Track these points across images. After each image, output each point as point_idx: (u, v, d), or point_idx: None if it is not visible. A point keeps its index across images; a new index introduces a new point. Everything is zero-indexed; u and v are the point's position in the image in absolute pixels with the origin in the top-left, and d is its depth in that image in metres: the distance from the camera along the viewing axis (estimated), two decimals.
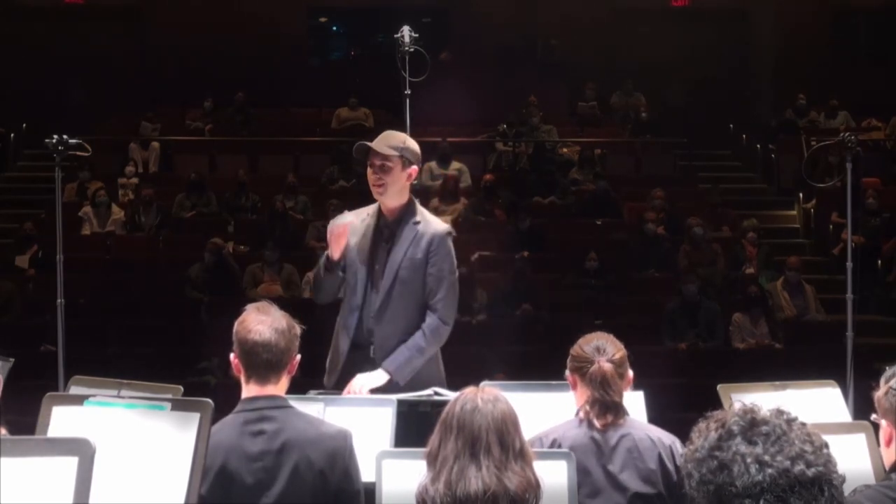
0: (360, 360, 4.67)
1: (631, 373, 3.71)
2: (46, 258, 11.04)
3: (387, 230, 4.72)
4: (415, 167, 4.72)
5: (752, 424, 1.94)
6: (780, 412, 1.98)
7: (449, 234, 4.73)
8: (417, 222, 4.70)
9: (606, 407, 3.59)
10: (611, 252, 12.28)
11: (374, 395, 4.43)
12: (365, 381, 4.53)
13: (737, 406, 2.01)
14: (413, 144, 4.73)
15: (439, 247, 4.66)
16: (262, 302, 3.54)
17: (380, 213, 4.76)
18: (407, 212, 4.73)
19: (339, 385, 4.60)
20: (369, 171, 4.68)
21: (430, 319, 4.64)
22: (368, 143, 4.67)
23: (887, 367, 3.06)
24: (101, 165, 14.14)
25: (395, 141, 4.68)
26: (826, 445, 1.95)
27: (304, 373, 3.76)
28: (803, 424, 1.97)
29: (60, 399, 3.32)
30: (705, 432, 1.98)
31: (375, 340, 4.66)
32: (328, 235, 4.68)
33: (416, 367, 4.60)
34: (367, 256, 4.69)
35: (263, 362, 3.39)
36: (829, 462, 1.92)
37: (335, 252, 4.63)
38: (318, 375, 4.84)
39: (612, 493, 3.55)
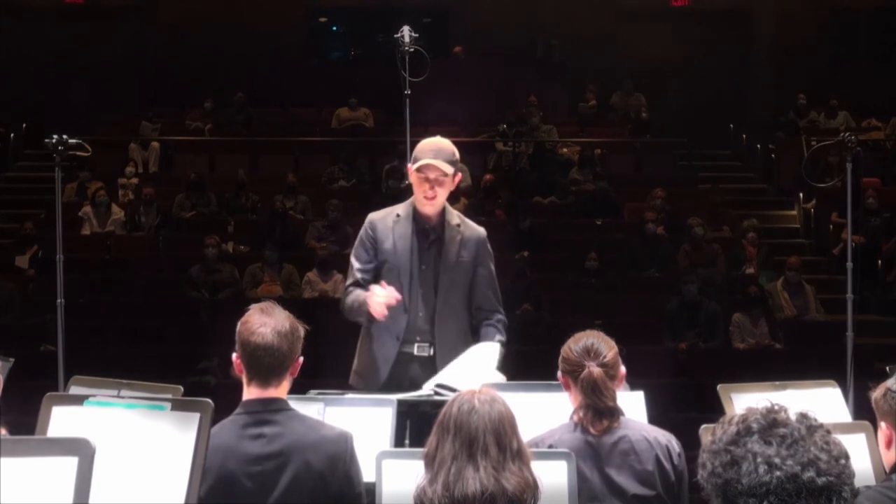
0: (406, 360, 4.76)
1: (623, 369, 3.66)
2: (46, 258, 11.03)
3: (433, 233, 4.81)
4: (459, 174, 4.86)
5: (771, 425, 1.93)
6: (804, 416, 1.96)
7: (487, 236, 4.93)
8: (458, 225, 4.84)
9: (601, 413, 3.55)
10: (611, 252, 12.28)
11: (373, 395, 4.44)
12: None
13: (764, 404, 1.99)
14: (456, 151, 4.83)
15: (485, 249, 4.86)
16: (267, 302, 3.51)
17: (415, 214, 4.81)
18: (446, 214, 4.83)
19: (387, 387, 4.64)
20: (421, 183, 4.71)
21: (500, 316, 4.88)
22: (432, 161, 4.69)
23: (888, 368, 3.07)
24: (101, 165, 14.14)
25: (448, 154, 4.74)
26: (845, 456, 1.92)
27: (304, 374, 3.75)
28: (828, 432, 1.94)
29: (60, 399, 3.32)
30: (727, 426, 1.97)
31: (437, 339, 4.76)
32: (377, 302, 4.58)
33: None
34: (411, 259, 4.75)
35: (265, 366, 3.38)
36: (843, 473, 1.90)
37: (379, 315, 4.61)
38: (318, 376, 4.85)
39: (611, 496, 3.51)
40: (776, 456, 1.88)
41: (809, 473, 1.87)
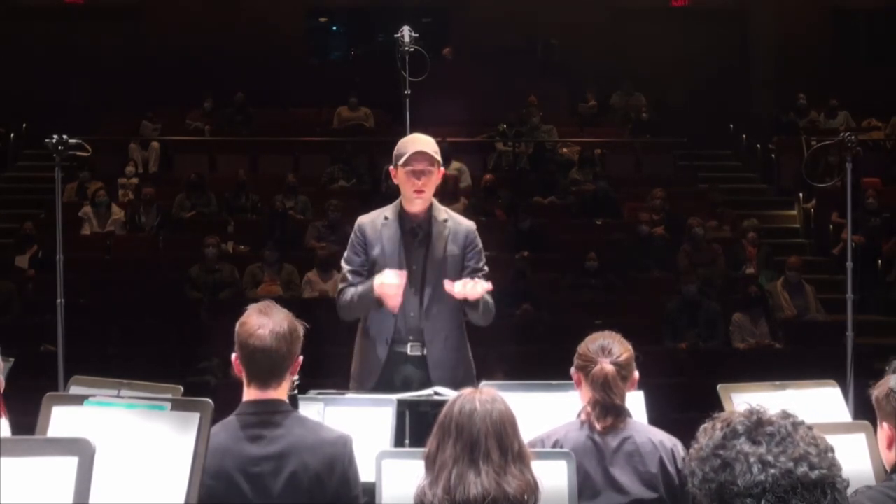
0: (399, 360, 4.76)
1: (637, 374, 3.69)
2: (46, 258, 11.03)
3: (420, 231, 4.79)
4: (442, 168, 4.85)
5: (757, 425, 1.94)
6: (786, 414, 1.97)
7: (476, 229, 4.90)
8: (445, 220, 4.82)
9: (607, 409, 3.57)
10: (611, 252, 12.27)
11: (374, 395, 4.44)
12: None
13: (743, 407, 2.01)
14: (436, 144, 4.85)
15: (474, 242, 4.84)
16: (265, 302, 3.49)
17: (402, 214, 4.80)
18: (433, 210, 4.82)
19: (379, 388, 4.65)
20: (410, 178, 4.70)
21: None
22: (426, 150, 4.70)
23: (887, 367, 3.06)
24: (101, 165, 14.14)
25: (432, 145, 4.76)
26: (831, 449, 1.94)
27: (304, 373, 3.75)
28: (809, 428, 1.96)
29: (60, 399, 3.32)
30: (710, 431, 1.98)
31: (426, 337, 4.74)
32: (383, 291, 4.60)
33: (488, 307, 4.75)
34: (399, 261, 4.73)
35: (265, 368, 3.37)
36: (833, 465, 1.91)
37: (392, 306, 4.62)
38: (317, 375, 4.85)
39: (613, 496, 3.53)
40: (768, 454, 1.89)
41: (802, 468, 1.88)
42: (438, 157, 4.75)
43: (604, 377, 3.55)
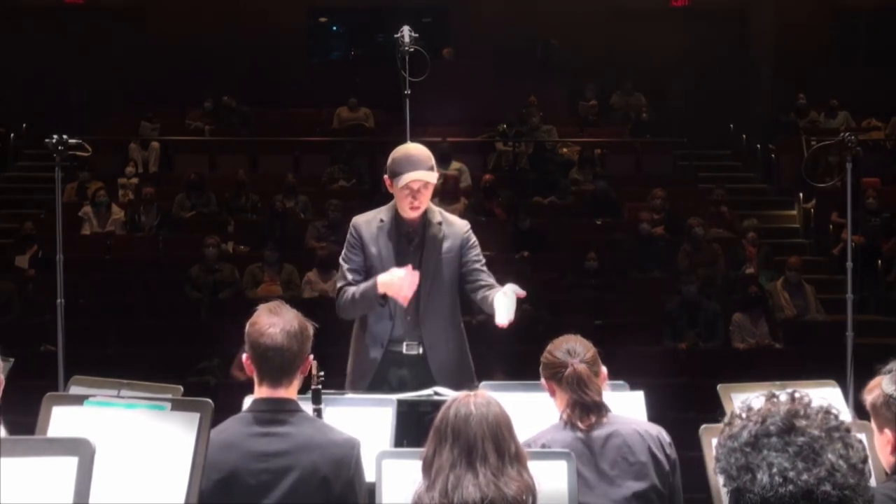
0: (395, 360, 4.80)
1: (604, 369, 3.73)
2: (46, 258, 11.04)
3: (416, 235, 4.83)
4: (437, 173, 4.87)
5: (790, 429, 1.90)
6: (826, 415, 1.93)
7: (474, 228, 4.96)
8: (440, 222, 4.86)
9: (587, 408, 3.60)
10: (611, 252, 12.27)
11: (373, 395, 4.44)
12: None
13: (784, 397, 1.96)
14: (431, 154, 4.85)
15: (470, 239, 4.89)
16: (275, 302, 3.52)
17: (397, 218, 4.82)
18: (427, 212, 4.85)
19: (374, 388, 4.69)
20: (406, 196, 4.73)
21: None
22: (423, 177, 4.70)
23: (882, 368, 3.05)
24: (101, 165, 14.14)
25: (427, 162, 4.76)
26: (864, 460, 1.89)
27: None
28: (848, 431, 1.91)
29: (60, 399, 3.33)
30: (745, 421, 1.95)
31: (426, 340, 4.79)
32: (396, 284, 4.62)
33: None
34: (396, 264, 4.74)
35: (276, 367, 3.39)
36: (858, 485, 1.87)
37: (404, 298, 4.65)
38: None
39: (608, 490, 3.54)
40: (792, 469, 1.85)
41: (825, 487, 1.84)
42: (434, 174, 4.77)
43: (577, 377, 3.59)
